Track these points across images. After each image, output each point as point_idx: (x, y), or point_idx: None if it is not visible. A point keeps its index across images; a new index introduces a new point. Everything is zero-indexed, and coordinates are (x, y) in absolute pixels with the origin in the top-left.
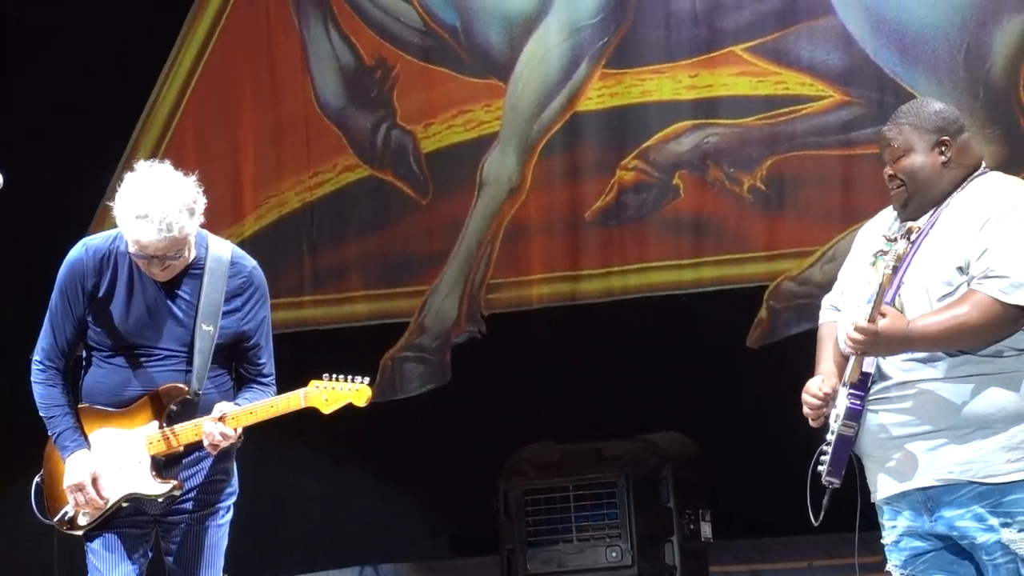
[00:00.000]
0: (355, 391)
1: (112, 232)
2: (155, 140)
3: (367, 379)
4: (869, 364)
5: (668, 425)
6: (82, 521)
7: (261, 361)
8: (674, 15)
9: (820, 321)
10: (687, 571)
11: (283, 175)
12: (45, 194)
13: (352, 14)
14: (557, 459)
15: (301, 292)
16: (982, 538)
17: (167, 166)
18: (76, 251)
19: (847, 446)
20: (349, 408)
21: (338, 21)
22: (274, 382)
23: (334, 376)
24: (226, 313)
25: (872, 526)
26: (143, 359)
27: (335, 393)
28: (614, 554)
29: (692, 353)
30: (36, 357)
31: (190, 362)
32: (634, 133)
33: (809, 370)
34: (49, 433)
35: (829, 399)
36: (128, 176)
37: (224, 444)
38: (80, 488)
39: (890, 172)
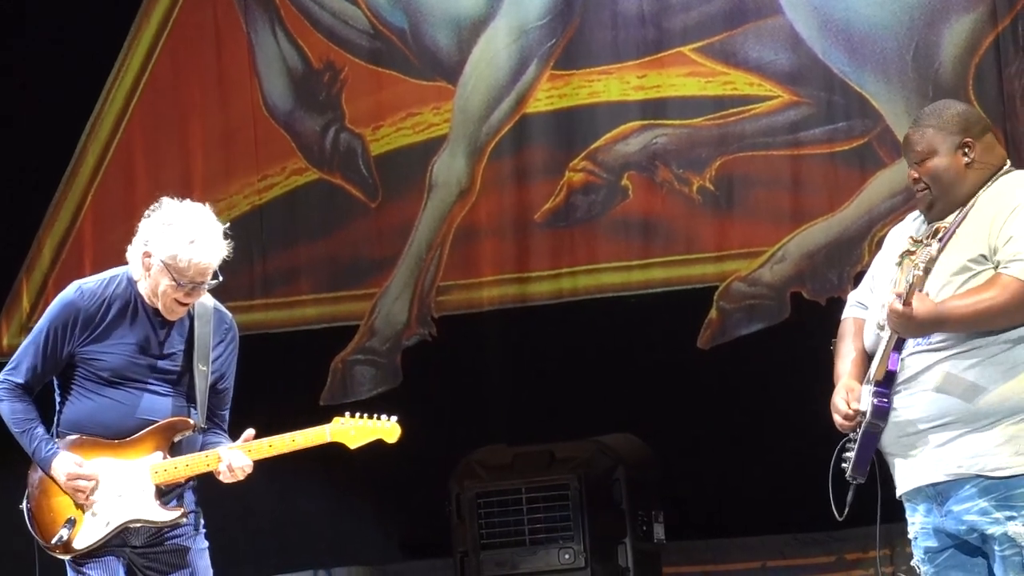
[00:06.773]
0: (386, 428)
1: (104, 276)
2: (103, 144)
3: (395, 417)
4: (894, 362)
5: (620, 426)
6: (78, 545)
7: (226, 407)
8: (621, 16)
9: (844, 315)
10: (640, 572)
11: (232, 178)
12: None
13: (299, 17)
14: (509, 461)
15: (251, 296)
16: (991, 530)
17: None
18: (70, 293)
19: (873, 443)
20: (297, 411)
21: (285, 24)
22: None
23: (358, 414)
24: (213, 357)
25: (828, 526)
26: (139, 393)
27: (363, 428)
28: (567, 556)
29: (643, 354)
30: (8, 377)
31: (184, 399)
32: (583, 134)
33: (761, 370)
34: (27, 445)
35: (858, 413)
36: (160, 214)
37: (241, 477)
38: (78, 476)
39: (914, 175)
